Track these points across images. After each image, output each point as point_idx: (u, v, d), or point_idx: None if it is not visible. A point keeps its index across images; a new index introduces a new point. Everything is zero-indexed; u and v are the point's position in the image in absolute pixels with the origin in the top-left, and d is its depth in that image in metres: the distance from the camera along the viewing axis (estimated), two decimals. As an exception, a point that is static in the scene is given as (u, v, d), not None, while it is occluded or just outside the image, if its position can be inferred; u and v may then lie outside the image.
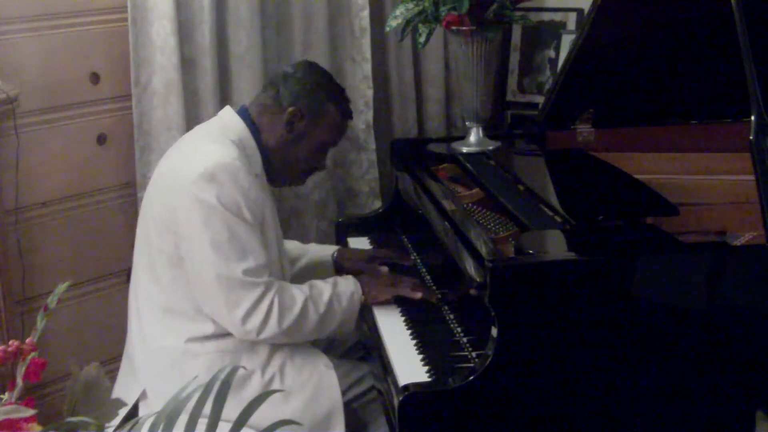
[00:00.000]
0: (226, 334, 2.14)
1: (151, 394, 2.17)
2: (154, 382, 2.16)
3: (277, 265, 2.24)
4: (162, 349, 2.16)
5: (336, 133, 2.30)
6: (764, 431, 1.98)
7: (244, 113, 2.25)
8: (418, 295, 2.26)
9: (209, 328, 2.14)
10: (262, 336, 2.10)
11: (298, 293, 2.15)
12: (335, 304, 2.19)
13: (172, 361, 2.14)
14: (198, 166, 2.08)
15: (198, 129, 2.31)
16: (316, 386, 2.16)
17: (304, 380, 2.16)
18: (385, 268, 2.41)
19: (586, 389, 1.90)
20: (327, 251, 2.56)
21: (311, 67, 2.32)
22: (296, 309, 2.12)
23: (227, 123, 2.23)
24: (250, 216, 2.09)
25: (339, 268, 2.51)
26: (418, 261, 2.56)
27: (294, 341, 2.18)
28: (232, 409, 1.23)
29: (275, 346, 2.18)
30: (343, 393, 2.20)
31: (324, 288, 2.20)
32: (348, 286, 2.24)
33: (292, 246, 2.56)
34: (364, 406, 2.26)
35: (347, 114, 2.30)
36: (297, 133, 2.23)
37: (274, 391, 1.34)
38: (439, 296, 2.31)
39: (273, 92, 2.25)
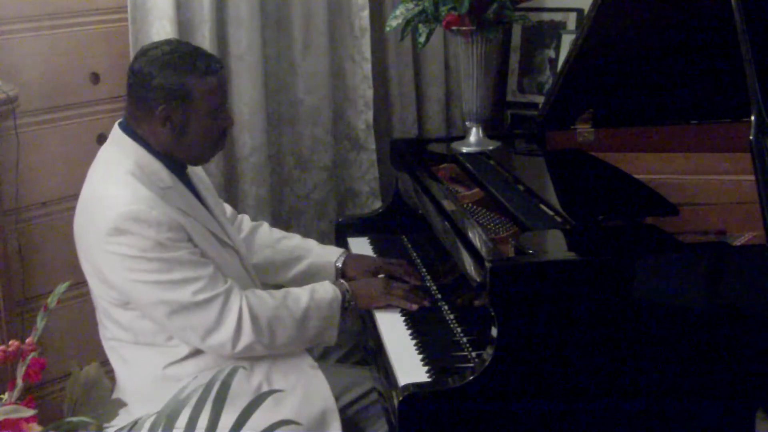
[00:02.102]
0: (202, 352, 2.10)
1: (145, 416, 2.12)
2: (142, 412, 2.11)
3: (230, 259, 2.19)
4: (143, 379, 2.12)
5: (217, 94, 2.10)
6: (764, 431, 1.98)
7: (128, 130, 2.12)
8: (414, 307, 2.24)
9: (184, 350, 2.10)
10: (239, 346, 2.05)
11: (270, 298, 2.11)
12: (314, 311, 2.15)
13: (155, 389, 2.09)
14: (102, 221, 2.01)
15: (99, 161, 2.18)
16: (305, 388, 2.13)
17: (292, 383, 2.13)
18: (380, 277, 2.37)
19: (586, 389, 1.90)
20: (330, 257, 2.48)
21: (150, 51, 2.10)
22: (269, 313, 2.08)
23: (119, 146, 2.12)
24: (173, 242, 2.02)
25: (343, 276, 2.45)
26: (418, 261, 2.56)
27: (272, 351, 2.13)
28: (222, 421, 1.22)
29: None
30: (338, 398, 2.17)
31: (301, 295, 2.16)
32: (327, 293, 2.20)
33: (293, 244, 2.51)
34: (362, 410, 2.23)
35: (212, 70, 2.08)
36: (180, 123, 2.08)
37: (274, 391, 1.33)
38: (440, 296, 2.31)
39: (134, 99, 2.10)
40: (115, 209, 2.00)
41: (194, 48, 2.16)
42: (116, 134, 2.14)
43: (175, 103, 2.06)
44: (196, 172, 2.29)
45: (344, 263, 2.47)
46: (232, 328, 2.04)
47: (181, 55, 2.08)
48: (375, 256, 2.63)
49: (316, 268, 2.47)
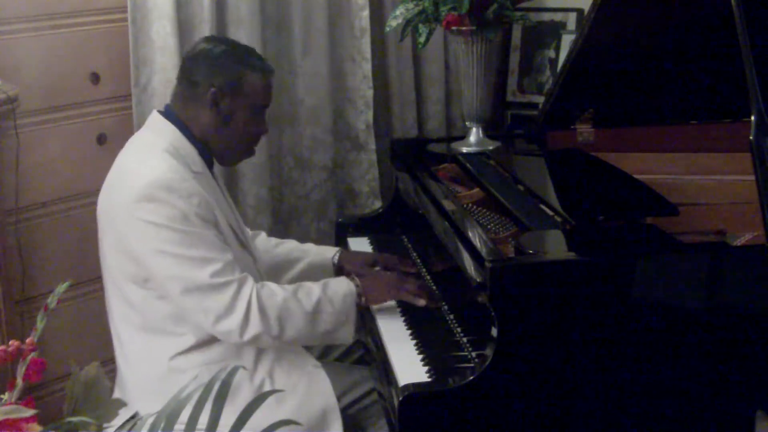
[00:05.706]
0: (208, 344, 2.10)
1: (145, 415, 2.11)
2: (146, 404, 2.09)
3: (246, 261, 2.19)
4: (148, 370, 2.12)
5: (264, 94, 2.20)
6: (764, 431, 1.98)
7: (169, 113, 2.18)
8: (422, 302, 2.21)
9: (190, 340, 2.10)
10: (247, 336, 2.05)
11: (280, 290, 2.11)
12: (326, 305, 2.13)
13: (159, 380, 2.09)
14: (133, 189, 2.03)
15: (131, 143, 2.22)
16: (307, 387, 2.13)
17: (294, 382, 2.13)
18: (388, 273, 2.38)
19: (586, 389, 1.90)
20: (327, 254, 2.50)
21: (210, 41, 2.23)
22: (278, 304, 2.06)
23: (156, 129, 2.16)
24: (200, 220, 2.04)
25: (340, 271, 2.45)
26: (418, 261, 2.56)
27: (283, 343, 2.12)
28: (224, 419, 1.22)
29: (261, 352, 2.14)
30: (340, 398, 2.17)
31: (313, 288, 2.15)
32: (340, 287, 2.18)
33: (290, 247, 2.52)
34: (363, 410, 2.23)
35: (266, 71, 2.20)
36: (225, 111, 2.15)
37: (275, 391, 1.33)
38: (442, 301, 2.30)
39: (186, 82, 2.17)
40: (148, 177, 2.04)
41: (252, 48, 2.27)
42: (154, 118, 2.20)
43: (226, 89, 2.14)
44: (219, 175, 2.31)
45: (340, 258, 2.48)
46: (240, 316, 2.03)
47: (240, 50, 2.20)
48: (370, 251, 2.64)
49: (313, 266, 2.48)
